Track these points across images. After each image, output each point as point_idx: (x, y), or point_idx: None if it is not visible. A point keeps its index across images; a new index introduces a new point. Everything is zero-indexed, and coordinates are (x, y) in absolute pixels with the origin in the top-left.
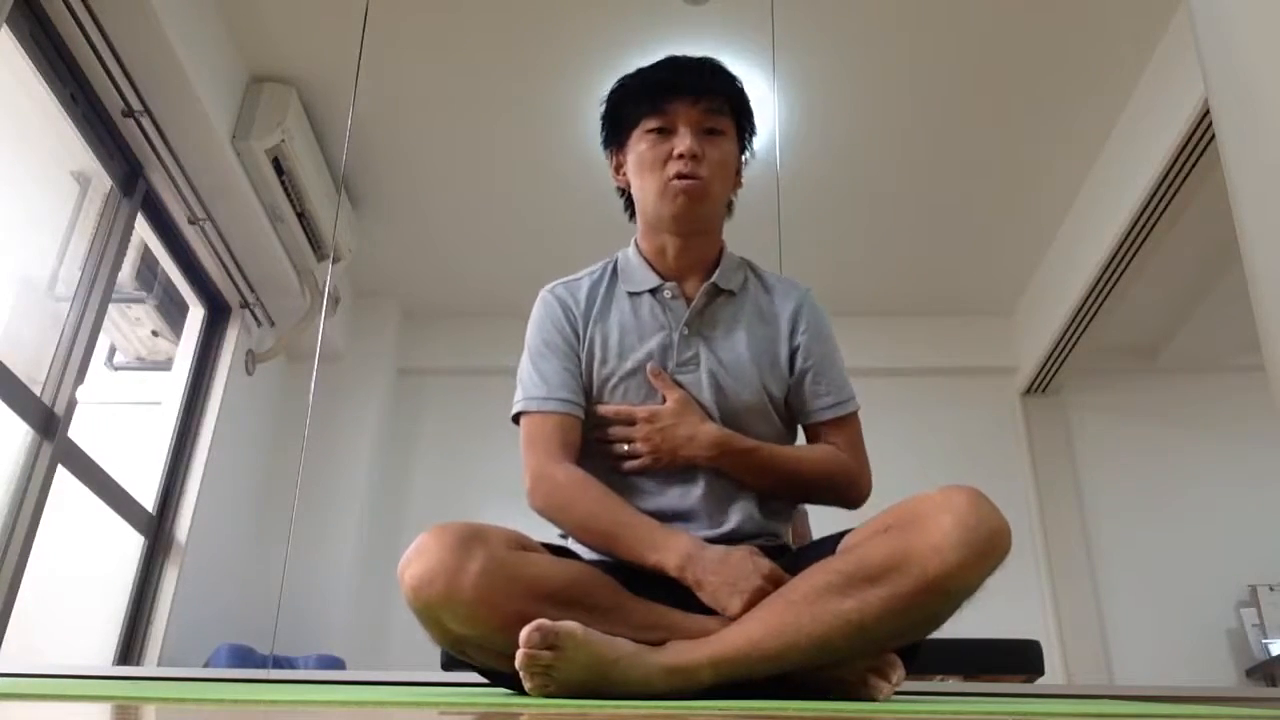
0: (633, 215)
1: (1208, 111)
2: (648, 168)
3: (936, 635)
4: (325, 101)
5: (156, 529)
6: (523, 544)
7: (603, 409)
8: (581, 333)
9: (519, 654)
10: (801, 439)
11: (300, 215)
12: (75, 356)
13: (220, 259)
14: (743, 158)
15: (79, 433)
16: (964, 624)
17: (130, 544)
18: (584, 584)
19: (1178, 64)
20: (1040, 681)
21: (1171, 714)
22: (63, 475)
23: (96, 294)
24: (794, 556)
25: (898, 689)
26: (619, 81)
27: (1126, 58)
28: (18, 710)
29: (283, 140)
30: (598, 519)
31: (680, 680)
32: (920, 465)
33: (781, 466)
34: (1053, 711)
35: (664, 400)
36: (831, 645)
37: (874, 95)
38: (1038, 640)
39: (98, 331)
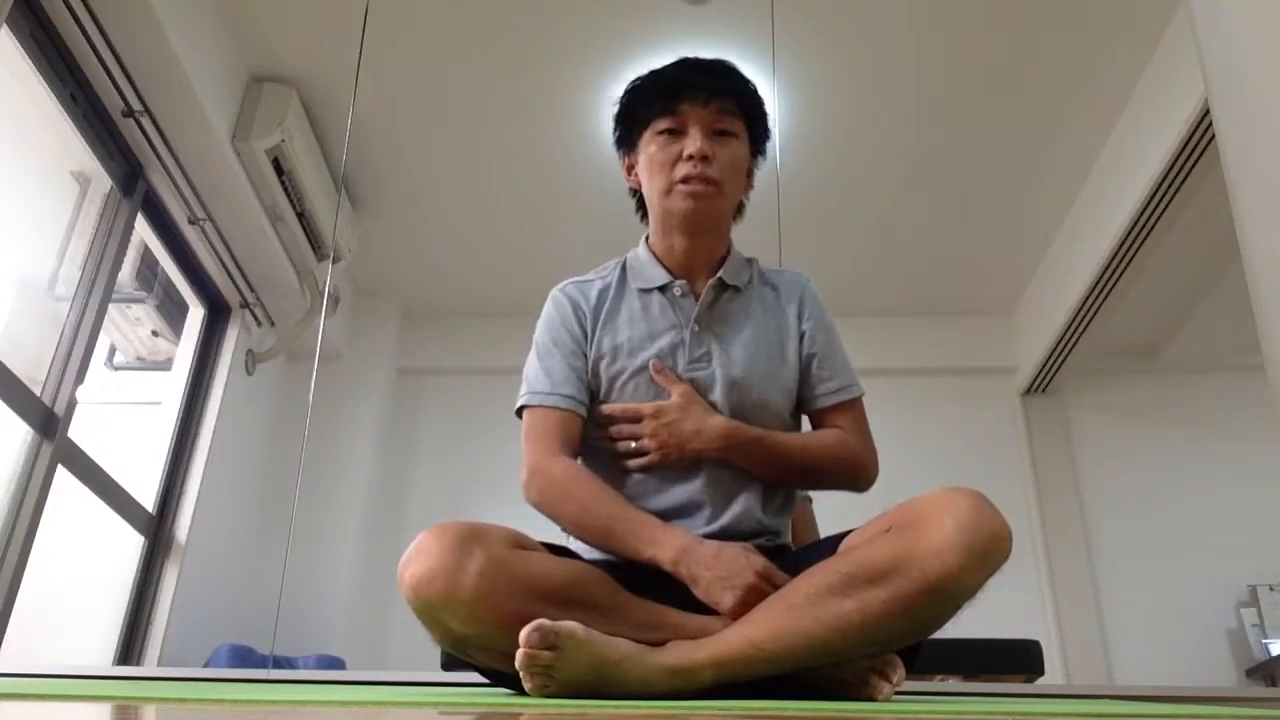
0: (644, 215)
1: (1208, 111)
2: (658, 168)
3: (936, 635)
4: (325, 101)
5: (156, 529)
6: (522, 543)
7: (608, 408)
8: (590, 332)
9: (519, 654)
10: (806, 428)
11: (300, 215)
12: (75, 356)
13: (220, 259)
14: (755, 159)
15: (79, 433)
16: (964, 624)
17: (130, 544)
18: (584, 583)
19: (1178, 64)
20: (1040, 681)
21: (1171, 714)
22: (63, 475)
23: (96, 294)
24: (794, 557)
25: (898, 689)
26: (632, 82)
27: (1126, 58)
28: (18, 710)
29: (283, 140)
30: (593, 513)
31: (680, 680)
32: (920, 465)
33: (789, 453)
34: (1053, 711)
35: (670, 396)
36: (832, 646)
37: (874, 95)
38: (1038, 640)
39: (98, 331)
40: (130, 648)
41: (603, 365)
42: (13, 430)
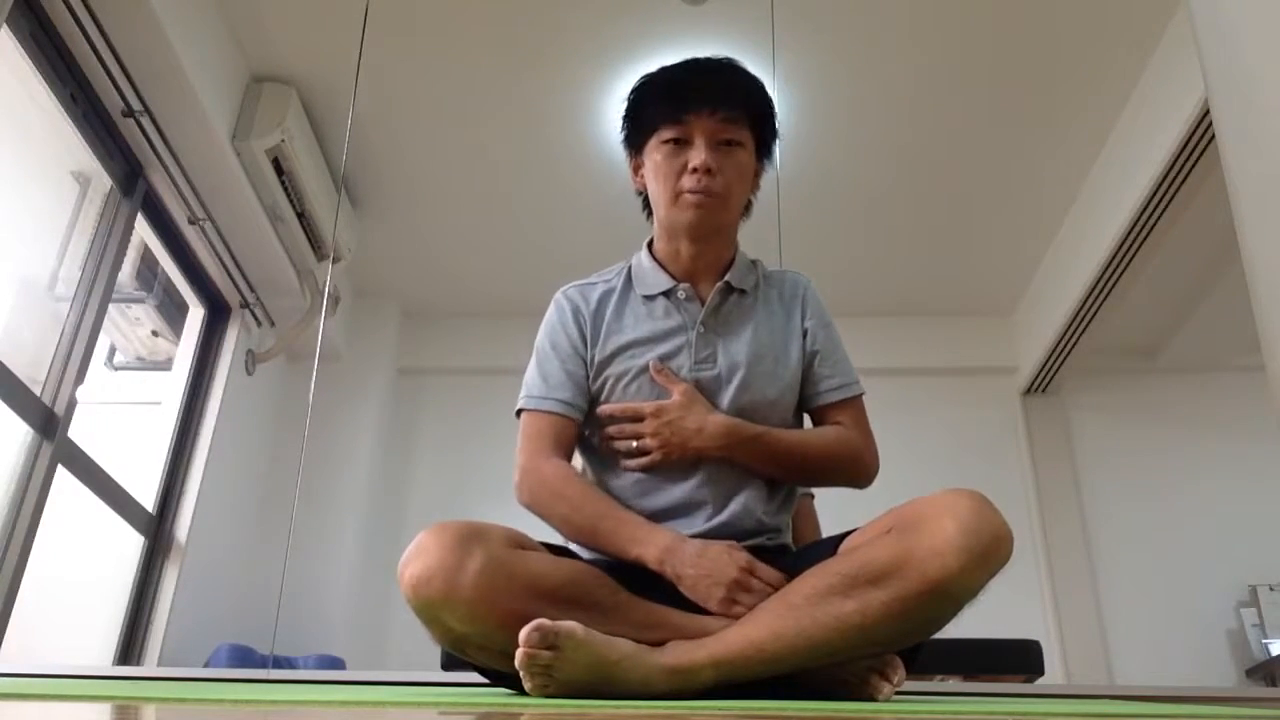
0: (649, 214)
1: (1208, 111)
2: (663, 177)
3: (937, 635)
4: (325, 101)
5: (156, 529)
6: (522, 543)
7: (608, 407)
8: (591, 335)
9: (519, 653)
10: (808, 425)
11: (300, 215)
12: (75, 356)
13: (220, 259)
14: (762, 163)
15: (79, 433)
16: (964, 624)
17: (130, 544)
18: (584, 583)
19: (1178, 64)
20: (1040, 681)
21: (1171, 714)
22: (63, 475)
23: (96, 294)
24: (794, 557)
25: (898, 689)
26: (639, 80)
27: (1126, 58)
28: (18, 710)
29: (283, 140)
30: (581, 513)
31: (680, 680)
32: (920, 465)
33: (789, 450)
34: (1053, 711)
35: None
36: (832, 647)
37: (874, 95)
38: (1038, 640)
39: (98, 331)
40: (130, 648)
41: (607, 367)
42: (13, 430)
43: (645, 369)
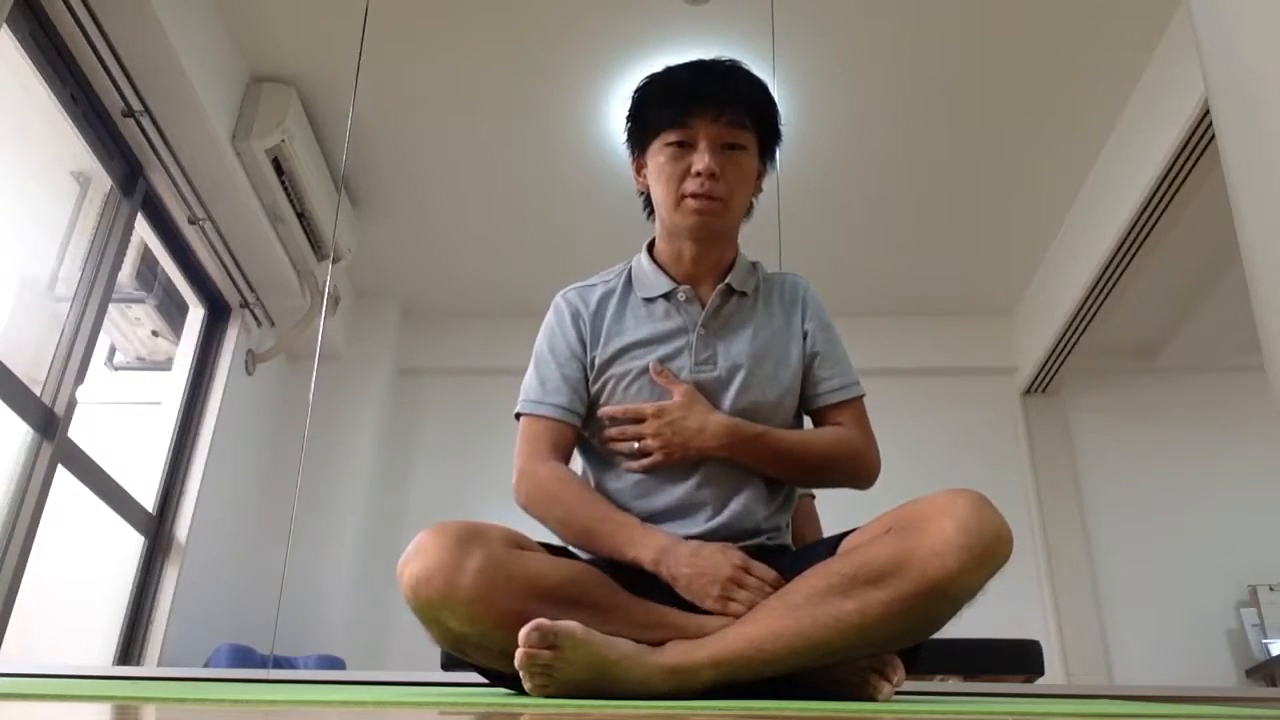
0: (651, 214)
1: (1208, 111)
2: (666, 180)
3: (936, 635)
4: (325, 101)
5: (156, 529)
6: (521, 543)
7: (609, 409)
8: (590, 337)
9: (518, 653)
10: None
11: (300, 215)
12: (75, 356)
13: (220, 259)
14: (765, 165)
15: (79, 433)
16: (964, 624)
17: (130, 544)
18: (583, 583)
19: (1178, 64)
20: (1040, 681)
21: (1171, 714)
22: (63, 475)
23: (96, 294)
24: (794, 557)
25: (898, 689)
26: (645, 80)
27: (1126, 58)
28: (18, 710)
29: (283, 140)
30: (577, 515)
31: (680, 680)
32: (920, 465)
33: (791, 449)
34: (1053, 711)
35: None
36: (831, 647)
37: (874, 95)
38: (1038, 640)
39: (98, 331)
40: (130, 648)
41: (607, 369)
42: (13, 430)
43: (646, 370)
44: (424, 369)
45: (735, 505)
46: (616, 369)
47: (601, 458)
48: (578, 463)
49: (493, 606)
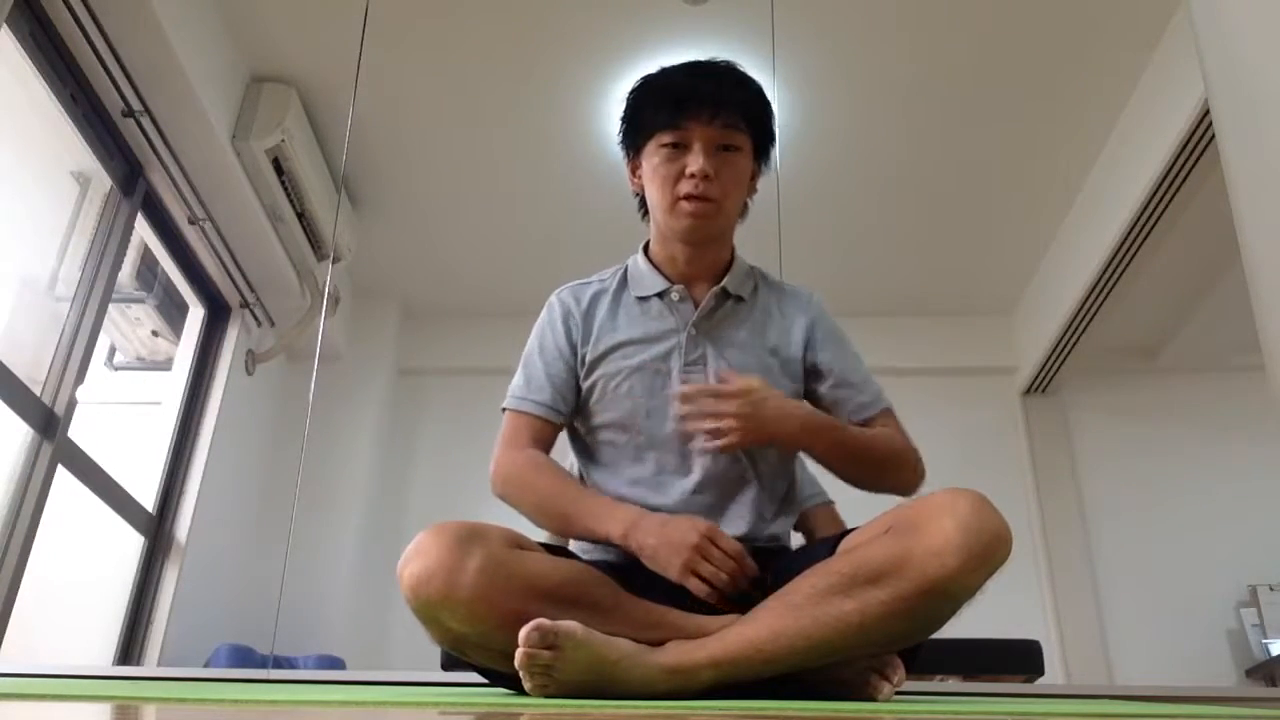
0: (646, 215)
1: (1208, 111)
2: (660, 182)
3: (937, 635)
4: (325, 101)
5: (156, 529)
6: (521, 543)
7: (685, 388)
8: (581, 336)
9: (518, 653)
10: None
11: (300, 215)
12: (75, 356)
13: (220, 259)
14: (760, 166)
15: (79, 433)
16: (964, 624)
17: (130, 544)
18: (583, 583)
19: (1178, 64)
20: (1040, 681)
21: (1171, 714)
22: (63, 475)
23: (96, 294)
24: (793, 557)
25: (898, 689)
26: (638, 82)
27: (1126, 58)
28: (18, 710)
29: (283, 140)
30: (551, 499)
31: (680, 680)
32: None
33: (859, 446)
34: (1053, 711)
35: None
36: (831, 647)
37: (874, 95)
38: (1038, 640)
39: (98, 331)
40: (130, 648)
41: (598, 367)
42: (13, 430)
43: (637, 369)
44: (424, 369)
45: (734, 509)
46: (607, 367)
47: (596, 458)
48: (575, 464)
49: (493, 606)
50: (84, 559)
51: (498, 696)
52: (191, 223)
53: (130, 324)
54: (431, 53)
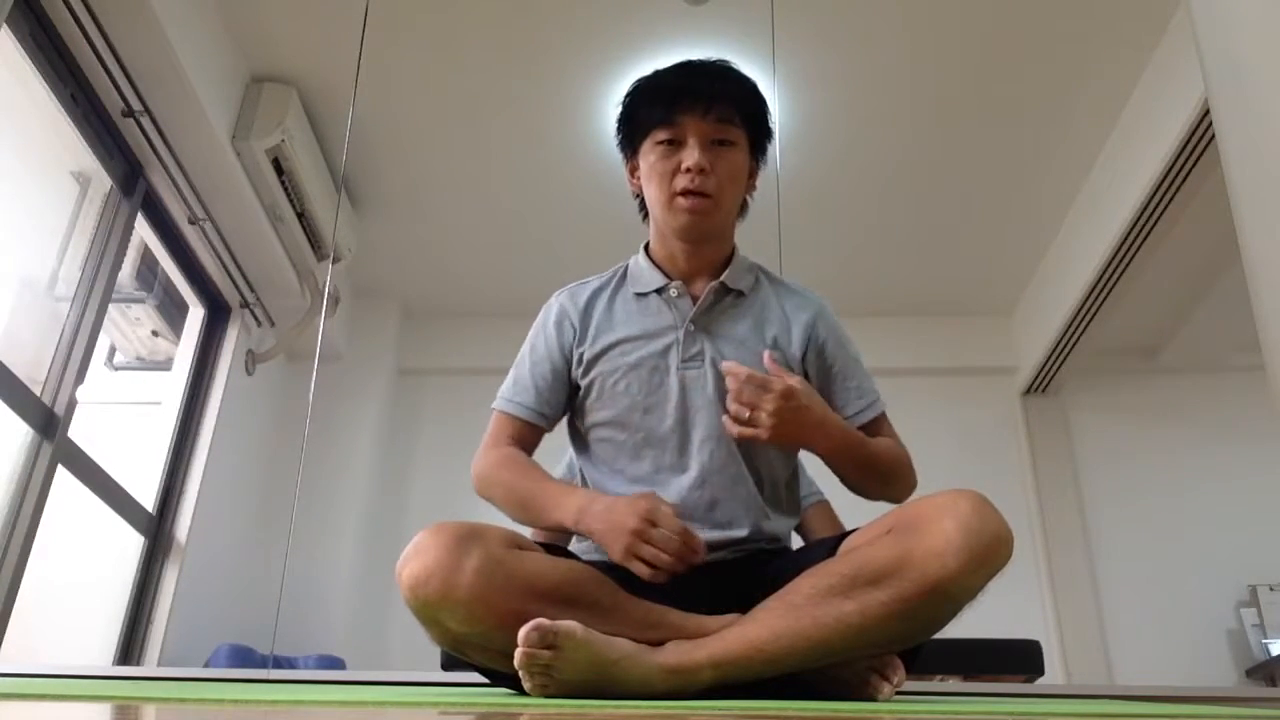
0: (646, 216)
1: (1208, 111)
2: (657, 179)
3: (936, 635)
4: (325, 101)
5: (156, 529)
6: (520, 544)
7: (734, 366)
8: (578, 336)
9: (518, 653)
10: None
11: (300, 215)
12: (75, 356)
13: (220, 259)
14: (757, 161)
15: (79, 433)
16: (964, 624)
17: (130, 544)
18: (582, 583)
19: (1178, 64)
20: (1040, 681)
21: (1171, 714)
22: (63, 475)
23: (96, 294)
24: (793, 558)
25: (898, 690)
26: (633, 84)
27: (1126, 58)
28: (18, 710)
29: (283, 140)
30: (516, 491)
31: (680, 680)
32: (920, 465)
33: (874, 460)
34: (1053, 711)
35: (678, 391)
36: (831, 647)
37: (874, 95)
38: (1038, 640)
39: (98, 331)
40: (130, 648)
41: (596, 364)
42: (13, 430)
43: (635, 365)
44: (424, 369)
45: (733, 507)
46: (605, 364)
47: (596, 455)
48: (574, 463)
49: (492, 606)
50: (84, 559)
51: (498, 696)
52: (191, 223)
53: (130, 324)
54: (431, 53)
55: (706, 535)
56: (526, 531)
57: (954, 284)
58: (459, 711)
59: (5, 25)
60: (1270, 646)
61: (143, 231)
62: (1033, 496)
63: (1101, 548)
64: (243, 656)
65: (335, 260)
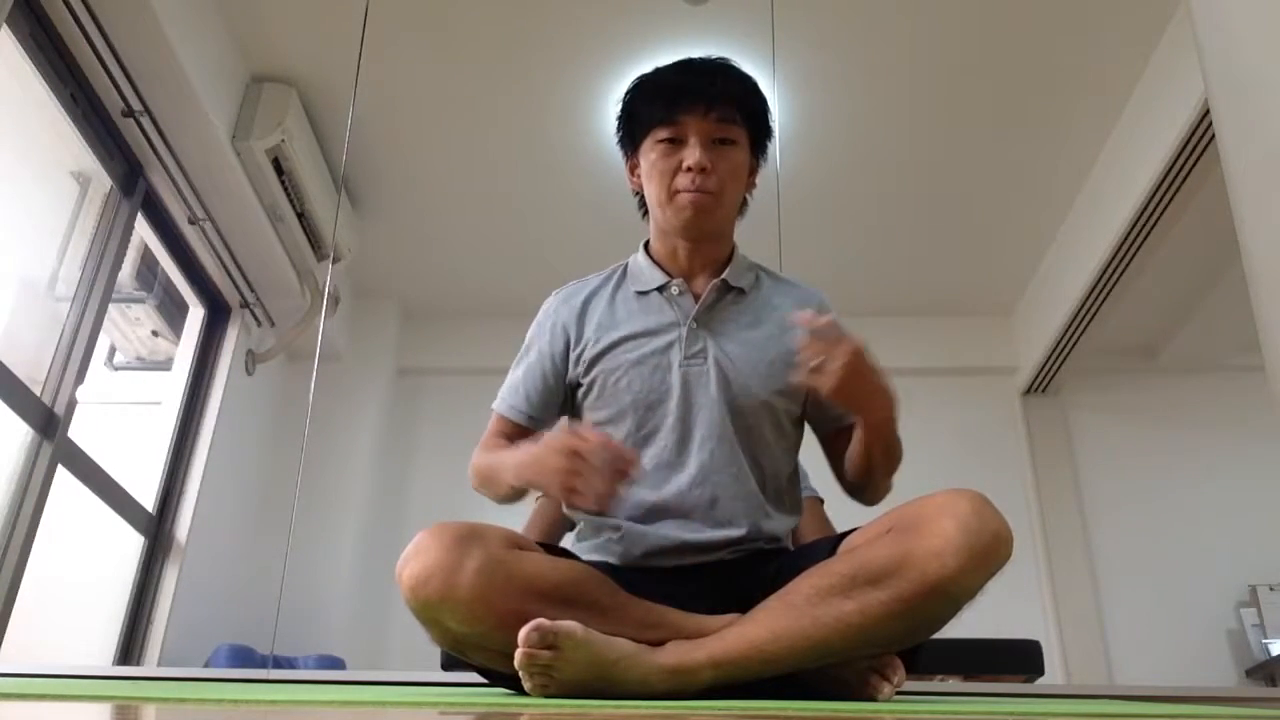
0: (646, 214)
1: (1208, 111)
2: (658, 177)
3: (936, 635)
4: (325, 101)
5: (156, 529)
6: (520, 544)
7: (807, 315)
8: (575, 335)
9: (518, 653)
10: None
11: (300, 215)
12: (75, 356)
13: (220, 259)
14: (757, 159)
15: (79, 433)
16: (964, 624)
17: (130, 544)
18: (582, 583)
19: (1178, 64)
20: (1040, 681)
21: (1171, 714)
22: (63, 475)
23: (96, 294)
24: (793, 557)
25: (898, 689)
26: (633, 82)
27: (1126, 58)
28: (18, 710)
29: (283, 140)
30: (481, 469)
31: (680, 680)
32: (920, 465)
33: (898, 444)
34: (1053, 711)
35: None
36: (831, 647)
37: (874, 95)
38: (1038, 640)
39: (98, 331)
40: (130, 648)
41: (597, 363)
42: (13, 430)
43: (637, 363)
44: (424, 369)
45: (732, 504)
46: (607, 363)
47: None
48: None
49: (492, 606)
50: (84, 559)
51: (498, 696)
52: (191, 223)
53: (130, 324)
54: (432, 53)
55: (706, 534)
56: (526, 529)
57: (954, 284)
58: (459, 711)
59: (5, 25)
60: (1270, 646)
61: (143, 231)
62: (1033, 496)
63: (1101, 548)
64: (243, 656)
65: (335, 260)
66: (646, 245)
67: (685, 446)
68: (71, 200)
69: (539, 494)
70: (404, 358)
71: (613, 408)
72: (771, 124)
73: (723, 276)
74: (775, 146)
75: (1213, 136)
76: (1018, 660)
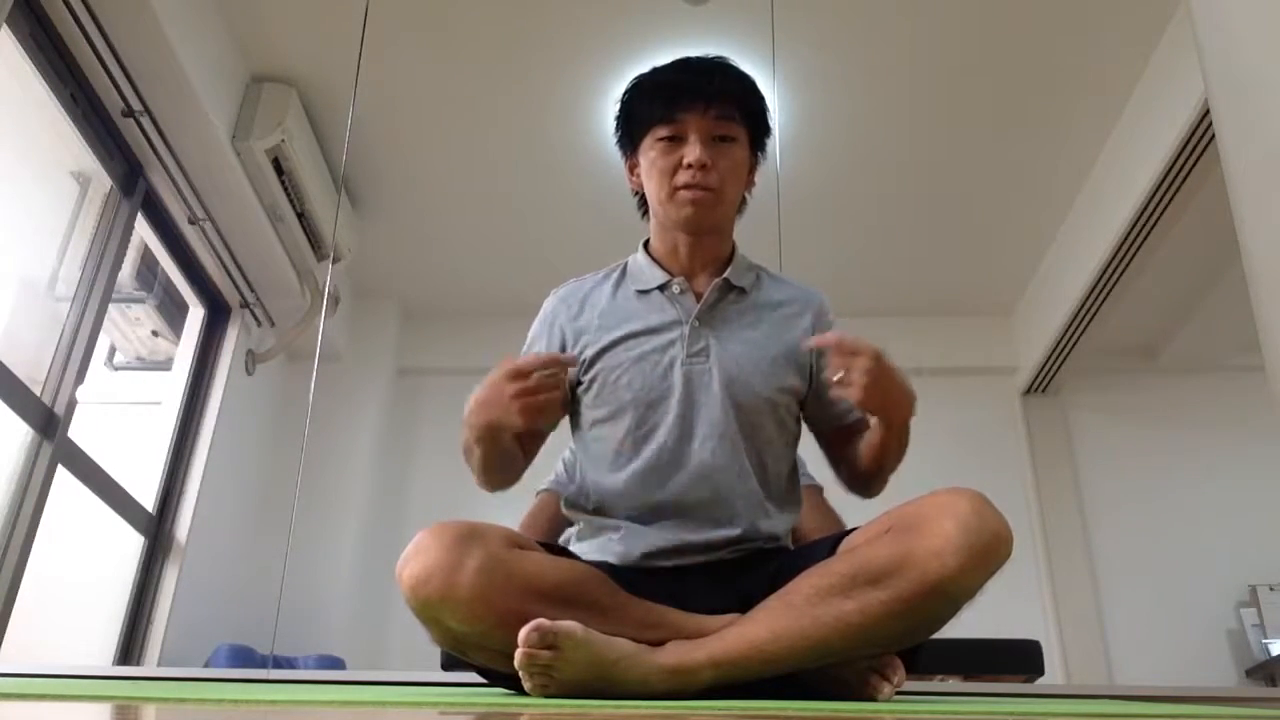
0: (646, 213)
1: (1208, 111)
2: (658, 175)
3: (936, 635)
4: (325, 101)
5: (156, 529)
6: (520, 544)
7: (826, 336)
8: (573, 335)
9: (518, 653)
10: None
11: (300, 215)
12: (75, 356)
13: (220, 259)
14: (757, 157)
15: (79, 433)
16: (964, 624)
17: (130, 544)
18: (582, 583)
19: (1178, 64)
20: (1040, 681)
21: (1171, 714)
22: (63, 475)
23: (96, 294)
24: (793, 557)
25: (898, 689)
26: (633, 81)
27: (1126, 58)
28: (18, 710)
29: (283, 140)
30: (462, 447)
31: (680, 680)
32: (920, 465)
33: (908, 440)
34: (1053, 711)
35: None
36: (831, 647)
37: (874, 95)
38: (1038, 640)
39: (98, 331)
40: (130, 648)
41: (598, 361)
42: (13, 430)
43: (638, 361)
44: (424, 369)
45: (732, 503)
46: (608, 361)
47: (592, 454)
48: (571, 461)
49: (492, 606)
50: (84, 559)
51: (498, 696)
52: (191, 223)
53: (130, 324)
54: (432, 53)
55: (706, 534)
56: (523, 528)
57: (954, 284)
58: (459, 711)
59: (5, 25)
60: (1270, 646)
61: (143, 231)
62: (1033, 496)
63: (1101, 547)
64: (243, 656)
65: (335, 260)
66: (646, 245)
67: (686, 445)
68: (71, 200)
69: (540, 489)
70: (404, 358)
71: (612, 405)
72: (770, 122)
73: (725, 276)
74: (775, 147)
75: (1213, 137)
76: (1018, 660)
